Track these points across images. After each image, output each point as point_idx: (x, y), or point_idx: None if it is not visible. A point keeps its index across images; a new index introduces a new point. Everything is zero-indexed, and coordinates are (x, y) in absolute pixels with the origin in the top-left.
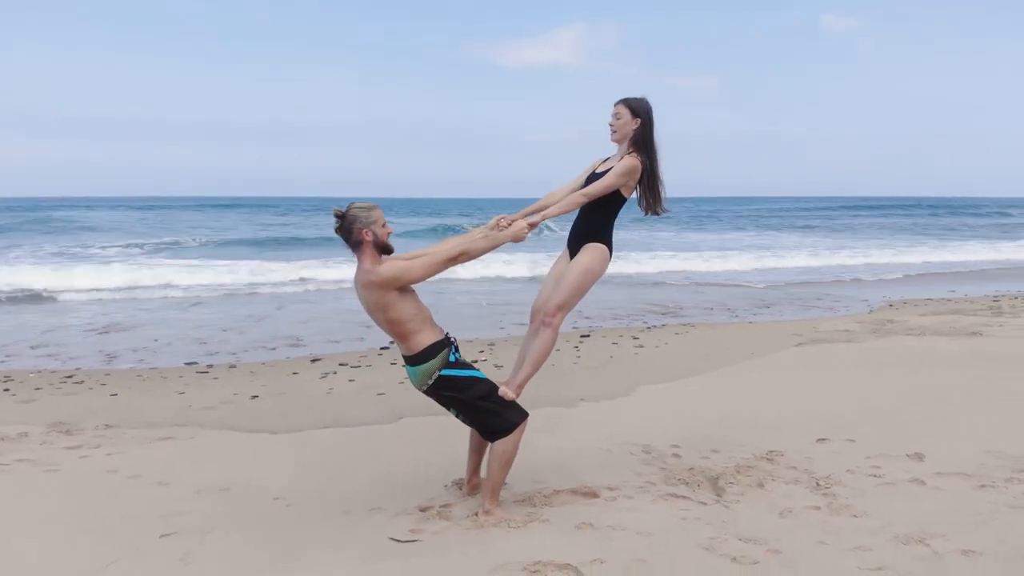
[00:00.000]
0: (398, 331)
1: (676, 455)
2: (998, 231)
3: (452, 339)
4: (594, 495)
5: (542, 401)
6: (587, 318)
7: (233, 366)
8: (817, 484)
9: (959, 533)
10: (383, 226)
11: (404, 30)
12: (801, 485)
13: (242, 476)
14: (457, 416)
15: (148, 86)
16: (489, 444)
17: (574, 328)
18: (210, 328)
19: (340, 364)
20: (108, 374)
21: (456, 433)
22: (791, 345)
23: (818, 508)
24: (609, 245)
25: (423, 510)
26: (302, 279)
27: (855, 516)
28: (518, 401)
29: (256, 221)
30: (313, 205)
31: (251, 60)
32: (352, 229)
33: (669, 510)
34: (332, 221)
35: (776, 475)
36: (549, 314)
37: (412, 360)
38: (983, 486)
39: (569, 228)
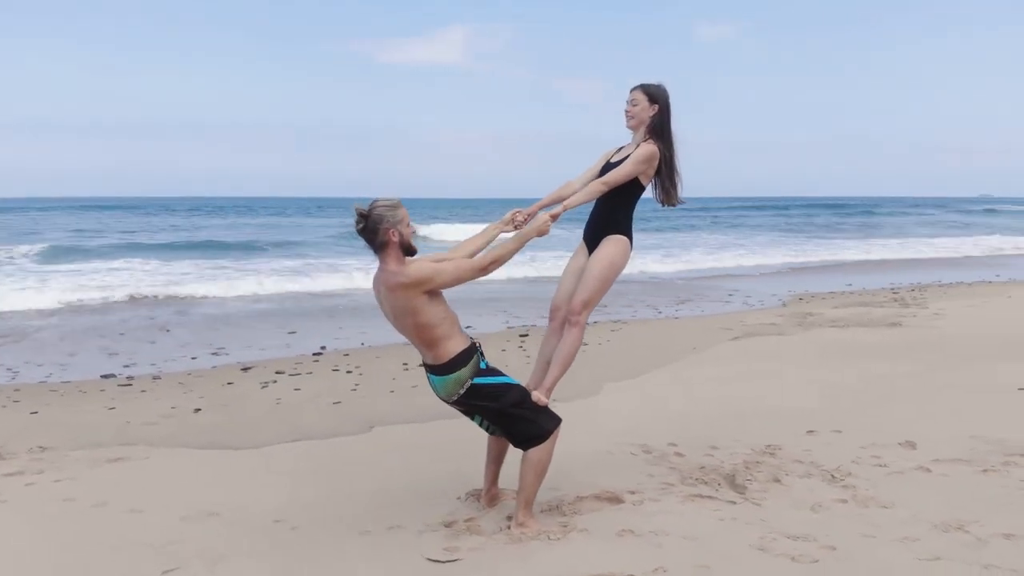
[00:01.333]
0: (426, 337)
1: (679, 454)
2: (866, 229)
3: (478, 344)
4: (619, 500)
5: None
6: (516, 316)
7: (157, 377)
8: (832, 477)
9: (991, 518)
10: (407, 225)
11: (294, 29)
12: (816, 478)
13: (226, 498)
14: (481, 424)
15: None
16: (521, 453)
17: (509, 328)
18: (111, 337)
19: (277, 372)
20: (17, 389)
21: (441, 439)
22: (726, 339)
23: (845, 501)
24: (630, 236)
25: (448, 525)
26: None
27: (885, 507)
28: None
29: (131, 222)
30: (190, 206)
31: (138, 54)
32: (378, 229)
33: (702, 511)
34: (354, 219)
35: (787, 469)
36: (575, 312)
37: (441, 369)
38: (985, 471)
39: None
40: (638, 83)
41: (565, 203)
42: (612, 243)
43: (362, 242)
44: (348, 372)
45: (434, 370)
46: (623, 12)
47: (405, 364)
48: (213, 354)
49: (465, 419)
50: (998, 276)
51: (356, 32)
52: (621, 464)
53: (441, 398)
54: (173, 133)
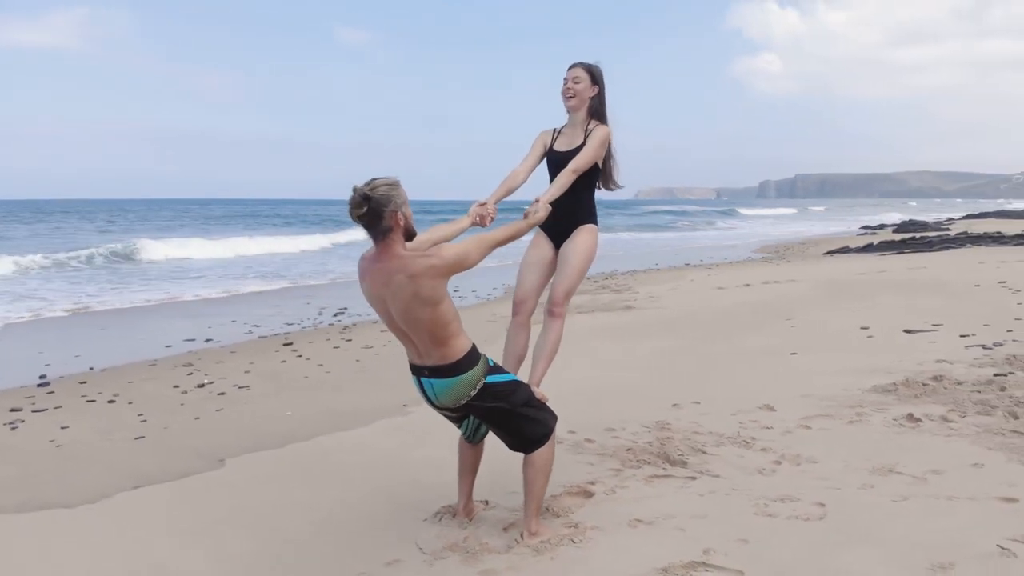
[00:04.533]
0: (440, 333)
1: (589, 440)
2: None
3: None
4: (590, 493)
5: (376, 413)
6: (253, 323)
7: None
8: (745, 443)
9: (904, 460)
10: (408, 206)
11: None
12: (730, 446)
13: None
14: (467, 430)
15: None
16: (524, 457)
17: (275, 334)
18: None
19: (12, 410)
20: None
21: (318, 462)
22: (503, 329)
23: (779, 462)
24: (598, 223)
25: (452, 549)
26: None
27: (815, 463)
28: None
29: None
30: None
31: None
32: (383, 212)
33: (677, 490)
34: (352, 202)
35: (698, 441)
36: (558, 304)
37: (448, 370)
38: (851, 422)
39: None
40: (577, 61)
41: (546, 197)
42: (588, 232)
43: None
44: (111, 402)
45: (439, 372)
46: (262, 9)
47: (177, 385)
48: None
49: (327, 435)
50: (657, 265)
51: None
52: None
53: (441, 405)
54: None
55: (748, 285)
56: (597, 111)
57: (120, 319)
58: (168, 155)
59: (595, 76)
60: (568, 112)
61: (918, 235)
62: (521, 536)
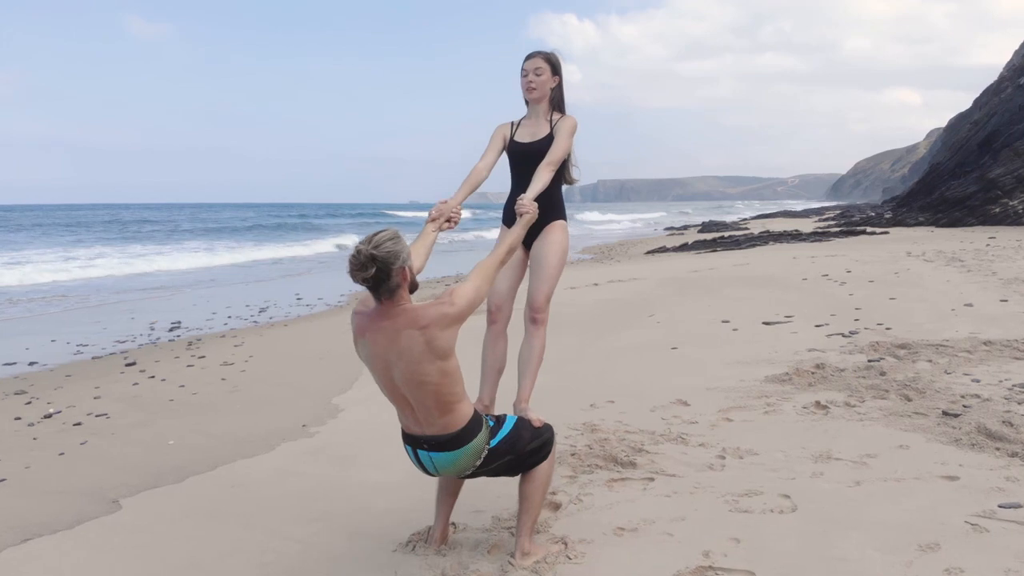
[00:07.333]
0: (447, 397)
1: None
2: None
3: None
4: (556, 504)
5: (274, 436)
6: (79, 342)
7: None
8: (680, 439)
9: (835, 445)
10: (410, 256)
11: None
12: (668, 443)
13: None
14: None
15: None
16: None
17: (109, 353)
18: None
19: None
20: None
21: (227, 496)
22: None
23: (723, 457)
24: (567, 218)
25: None
26: None
27: (757, 454)
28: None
29: None
30: None
31: None
32: (391, 271)
33: (643, 493)
34: (356, 264)
35: (635, 441)
36: (539, 309)
37: (452, 442)
38: (766, 412)
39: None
40: (535, 50)
41: (531, 194)
42: (560, 229)
43: None
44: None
45: (441, 446)
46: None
47: (18, 417)
48: None
49: (229, 464)
50: None
51: None
52: None
53: (452, 474)
54: None
55: (596, 284)
56: (558, 101)
57: None
58: None
59: (555, 66)
60: (529, 104)
61: (726, 234)
62: (514, 557)
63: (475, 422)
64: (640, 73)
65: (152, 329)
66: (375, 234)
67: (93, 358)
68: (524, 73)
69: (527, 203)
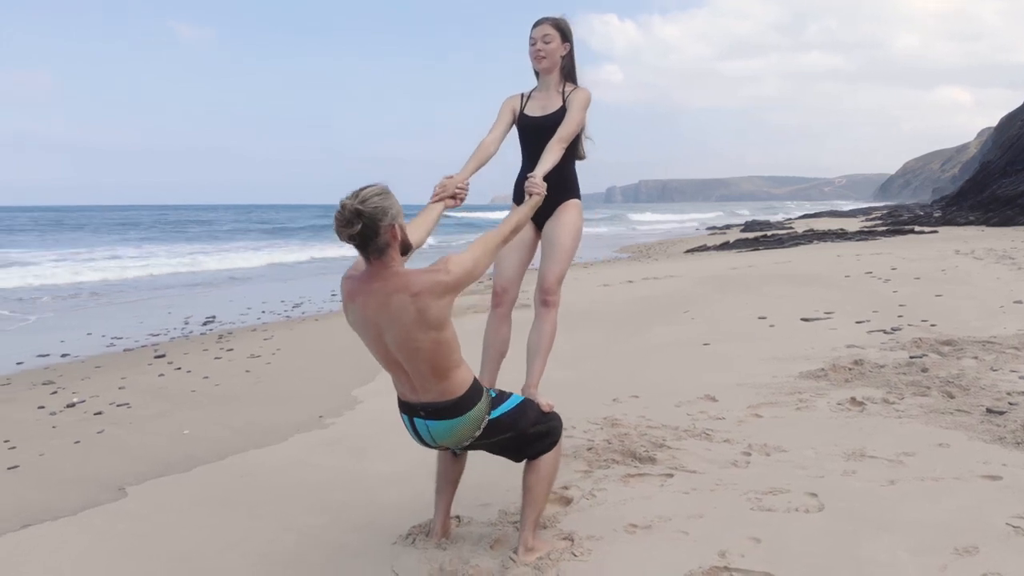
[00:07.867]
0: (443, 362)
1: None
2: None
3: None
4: (567, 499)
5: (290, 427)
6: (113, 335)
7: None
8: (705, 434)
9: (869, 444)
10: (403, 215)
11: None
12: (691, 439)
13: None
14: (461, 450)
15: None
16: (527, 463)
17: (141, 346)
18: None
19: None
20: None
21: (233, 485)
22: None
23: (749, 454)
24: (580, 196)
25: (441, 575)
26: None
27: (785, 451)
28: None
29: None
30: None
31: None
32: (379, 228)
33: (660, 489)
34: (341, 220)
35: (657, 436)
36: (551, 291)
37: (450, 410)
38: (798, 408)
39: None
40: (544, 16)
41: (540, 171)
42: (574, 208)
43: None
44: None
45: (438, 413)
46: (84, 11)
47: (42, 406)
48: None
49: (241, 454)
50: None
51: None
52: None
53: (441, 445)
54: None
55: (631, 282)
56: (569, 71)
57: None
58: None
59: (565, 32)
60: (539, 75)
61: (769, 233)
62: (516, 553)
63: (475, 390)
64: (682, 73)
65: (186, 323)
66: (362, 188)
67: (125, 350)
68: (532, 41)
69: (536, 181)
